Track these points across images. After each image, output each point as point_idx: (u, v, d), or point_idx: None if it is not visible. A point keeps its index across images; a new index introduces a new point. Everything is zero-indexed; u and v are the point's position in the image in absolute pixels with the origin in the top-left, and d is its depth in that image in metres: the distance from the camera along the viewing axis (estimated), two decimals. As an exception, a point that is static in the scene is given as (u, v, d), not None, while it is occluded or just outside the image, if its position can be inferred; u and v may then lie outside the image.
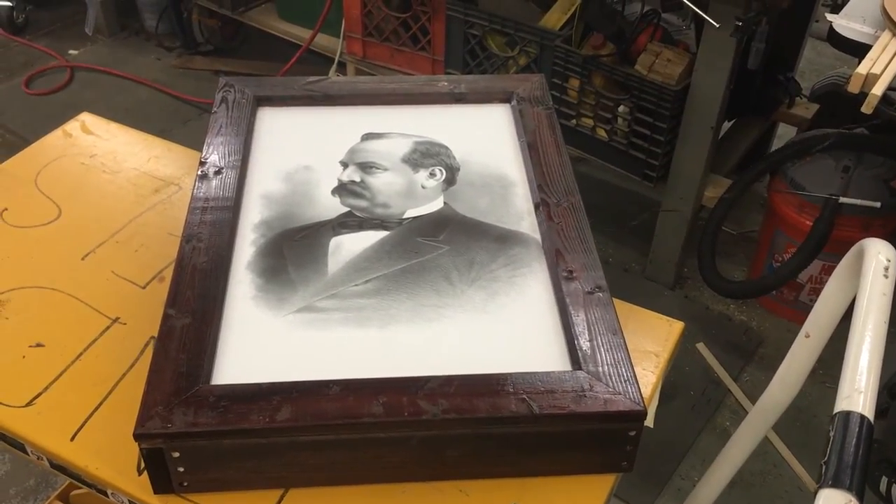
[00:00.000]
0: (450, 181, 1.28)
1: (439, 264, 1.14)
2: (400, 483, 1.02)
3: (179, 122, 3.47)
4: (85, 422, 1.08)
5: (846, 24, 2.10)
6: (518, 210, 1.23)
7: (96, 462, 1.04)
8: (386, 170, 1.29)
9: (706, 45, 2.30)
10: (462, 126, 1.39)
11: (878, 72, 1.80)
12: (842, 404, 0.91)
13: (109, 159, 1.51)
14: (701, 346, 2.59)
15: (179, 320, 1.04)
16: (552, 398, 0.97)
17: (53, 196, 1.42)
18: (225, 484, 1.00)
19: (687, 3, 2.17)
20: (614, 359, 1.01)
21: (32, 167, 1.49)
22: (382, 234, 1.19)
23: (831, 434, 0.88)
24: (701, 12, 2.17)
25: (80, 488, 1.10)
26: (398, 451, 0.99)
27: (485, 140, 1.37)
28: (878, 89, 1.79)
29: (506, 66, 2.69)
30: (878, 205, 2.33)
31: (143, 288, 1.27)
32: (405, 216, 1.22)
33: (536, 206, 1.23)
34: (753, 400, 2.40)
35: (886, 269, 1.06)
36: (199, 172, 1.25)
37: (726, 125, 2.76)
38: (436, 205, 1.24)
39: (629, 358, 1.02)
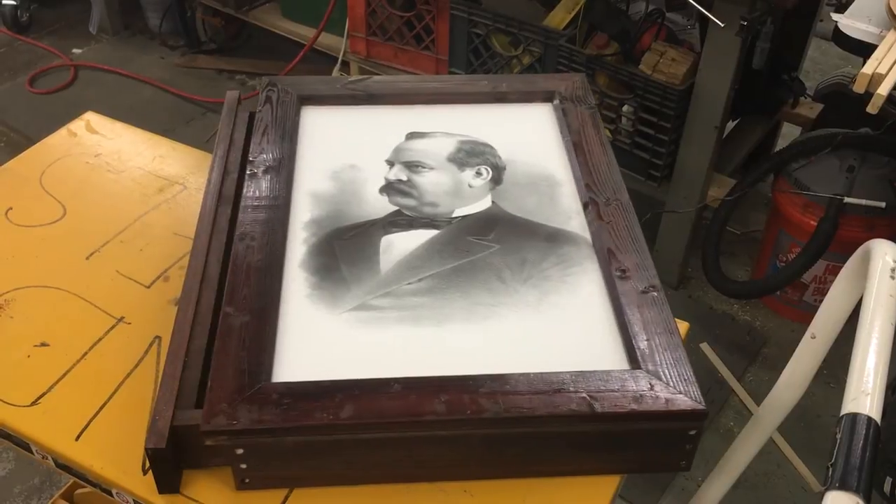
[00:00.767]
0: (496, 180, 1.29)
1: (490, 263, 1.15)
2: (458, 482, 1.02)
3: (183, 121, 3.45)
4: (90, 421, 1.08)
5: (851, 23, 2.12)
6: (566, 209, 1.24)
7: (101, 461, 1.04)
8: (432, 169, 1.30)
9: (711, 45, 2.31)
10: (505, 125, 1.40)
11: (884, 71, 1.80)
12: (848, 406, 0.91)
13: (114, 158, 1.51)
14: (704, 347, 2.60)
15: (238, 318, 1.04)
16: (613, 397, 0.98)
17: (58, 195, 1.42)
18: (285, 481, 1.01)
19: (692, 2, 2.17)
20: (673, 358, 1.02)
21: (37, 166, 1.48)
22: (432, 232, 1.19)
23: (838, 436, 0.88)
24: (706, 12, 2.17)
25: (84, 487, 1.10)
26: (458, 450, 1.00)
27: (529, 139, 1.38)
28: (883, 89, 1.78)
29: (509, 66, 2.70)
30: (882, 205, 2.35)
31: (148, 287, 1.27)
32: (454, 215, 1.22)
33: (585, 206, 1.24)
34: (757, 400, 2.44)
35: (893, 270, 1.06)
36: (249, 171, 1.25)
37: (730, 125, 2.78)
38: (484, 204, 1.25)
39: (687, 357, 1.03)
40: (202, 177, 1.42)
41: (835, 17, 2.16)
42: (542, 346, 1.06)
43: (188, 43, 3.84)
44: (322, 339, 1.05)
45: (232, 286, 1.08)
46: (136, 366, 1.14)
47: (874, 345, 0.97)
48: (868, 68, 1.82)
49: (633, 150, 2.58)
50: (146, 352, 1.16)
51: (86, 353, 1.16)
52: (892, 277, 1.05)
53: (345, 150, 1.34)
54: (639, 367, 1.01)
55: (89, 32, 3.96)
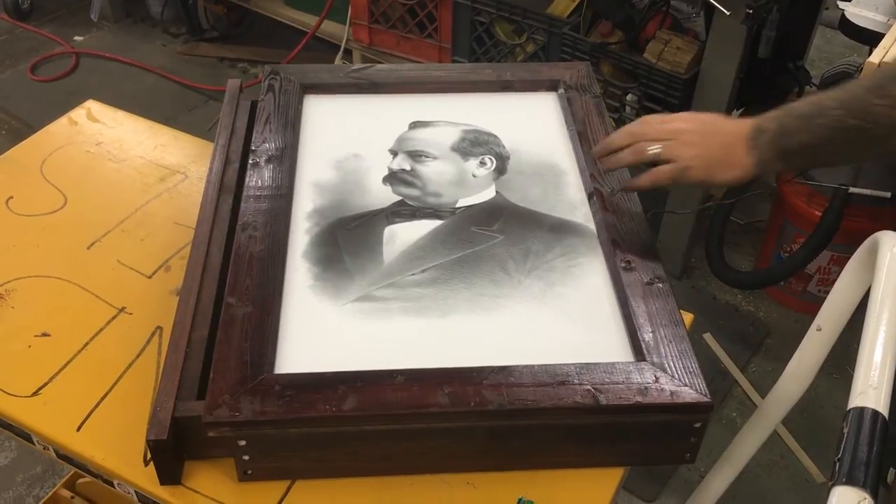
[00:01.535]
0: (500, 170, 1.28)
1: (495, 254, 1.14)
2: (461, 473, 1.02)
3: (185, 110, 3.43)
4: (91, 412, 1.08)
5: (858, 11, 2.10)
6: (571, 199, 1.24)
7: (102, 453, 1.03)
8: (435, 158, 1.29)
9: (716, 33, 2.29)
10: (509, 114, 1.39)
11: (892, 60, 1.78)
12: (855, 400, 0.89)
13: (115, 147, 1.50)
14: (708, 337, 2.59)
15: (241, 309, 1.03)
16: (618, 389, 0.97)
17: (59, 184, 1.41)
18: (289, 473, 1.00)
19: (697, -11, 2.16)
20: (678, 350, 1.01)
21: (38, 155, 1.47)
22: (436, 223, 1.19)
23: (845, 431, 0.87)
24: (711, 0, 2.16)
25: (86, 476, 1.09)
26: (461, 442, 0.99)
27: (533, 128, 1.37)
28: (891, 78, 1.78)
29: (513, 54, 2.68)
30: (888, 195, 2.33)
31: (150, 277, 1.26)
32: (458, 205, 1.21)
33: (590, 196, 1.23)
34: (760, 391, 2.43)
35: (901, 261, 1.04)
36: (251, 161, 1.24)
37: (735, 114, 2.76)
38: (488, 194, 1.24)
39: (692, 349, 1.02)
40: (204, 166, 1.41)
41: (842, 5, 2.14)
42: (547, 337, 1.05)
43: (190, 31, 3.81)
44: (325, 331, 1.05)
45: (234, 276, 1.07)
46: (138, 356, 1.14)
47: (882, 338, 0.96)
48: (875, 57, 1.80)
49: (638, 139, 2.54)
50: (147, 342, 1.16)
51: (87, 344, 1.15)
52: (901, 269, 1.03)
53: (348, 139, 1.33)
54: (644, 360, 1.00)
55: (91, 20, 3.94)
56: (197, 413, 0.95)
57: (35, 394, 1.09)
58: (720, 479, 1.43)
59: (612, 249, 1.14)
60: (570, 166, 1.29)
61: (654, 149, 1.10)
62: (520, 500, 0.99)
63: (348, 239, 1.16)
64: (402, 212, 1.20)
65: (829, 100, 1.03)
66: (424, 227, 1.18)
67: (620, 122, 2.54)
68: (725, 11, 2.14)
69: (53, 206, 1.37)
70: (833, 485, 0.82)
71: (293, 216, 1.18)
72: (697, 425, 0.99)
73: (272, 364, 0.99)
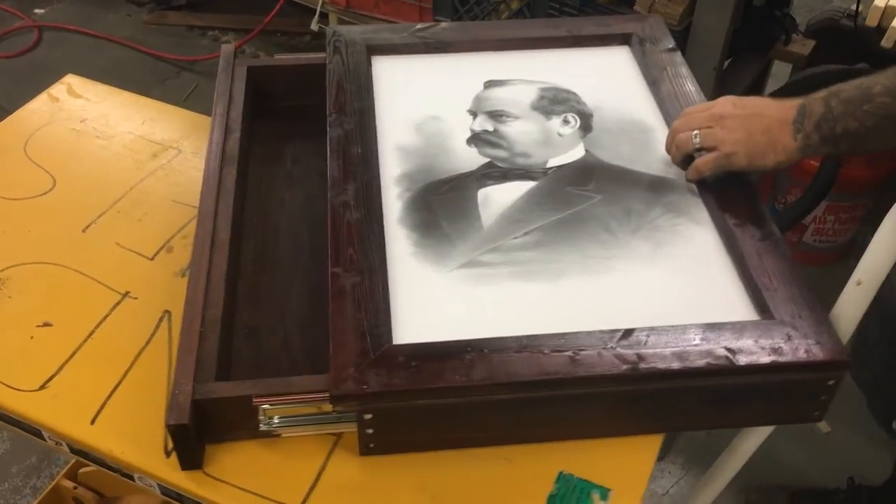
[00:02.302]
0: (586, 128, 1.23)
1: (595, 214, 1.10)
2: (580, 440, 0.98)
3: (157, 82, 3.31)
4: (104, 403, 1.02)
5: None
6: (663, 156, 1.19)
7: (121, 445, 0.98)
8: (517, 118, 1.24)
9: (709, -19, 2.22)
10: (585, 70, 1.34)
11: (896, 3, 1.74)
12: None
13: (102, 123, 1.43)
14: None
15: (348, 279, 0.99)
16: (751, 349, 0.93)
17: (46, 165, 1.34)
18: (411, 446, 0.96)
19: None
20: (806, 307, 0.98)
21: (20, 135, 1.40)
22: (529, 184, 1.14)
23: None
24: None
25: (88, 466, 1.04)
26: (588, 407, 0.96)
27: (611, 84, 1.32)
28: (898, 21, 1.71)
29: (497, 11, 2.59)
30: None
31: (152, 259, 1.20)
32: (548, 165, 1.17)
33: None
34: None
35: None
36: (330, 124, 1.18)
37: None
38: (577, 153, 1.19)
39: (819, 305, 0.99)
40: (197, 139, 1.37)
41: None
42: (665, 298, 1.01)
43: None
44: (436, 298, 1.00)
45: (336, 245, 1.02)
46: (148, 342, 1.08)
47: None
48: (881, 0, 1.77)
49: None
50: (157, 327, 1.10)
51: (92, 332, 1.10)
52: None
53: (423, 100, 1.28)
54: (772, 318, 0.97)
55: (51, -9, 3.78)
56: (218, 395, 0.92)
57: (42, 387, 1.03)
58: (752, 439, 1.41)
59: (716, 206, 1.10)
60: (656, 122, 1.25)
61: (695, 137, 1.09)
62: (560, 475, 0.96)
63: (442, 203, 1.11)
64: (492, 174, 1.15)
65: (876, 85, 1.01)
66: (518, 188, 1.13)
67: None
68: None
69: (42, 188, 1.30)
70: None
71: (382, 182, 1.13)
72: (831, 383, 0.96)
73: (390, 334, 0.94)
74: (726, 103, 1.10)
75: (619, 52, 1.39)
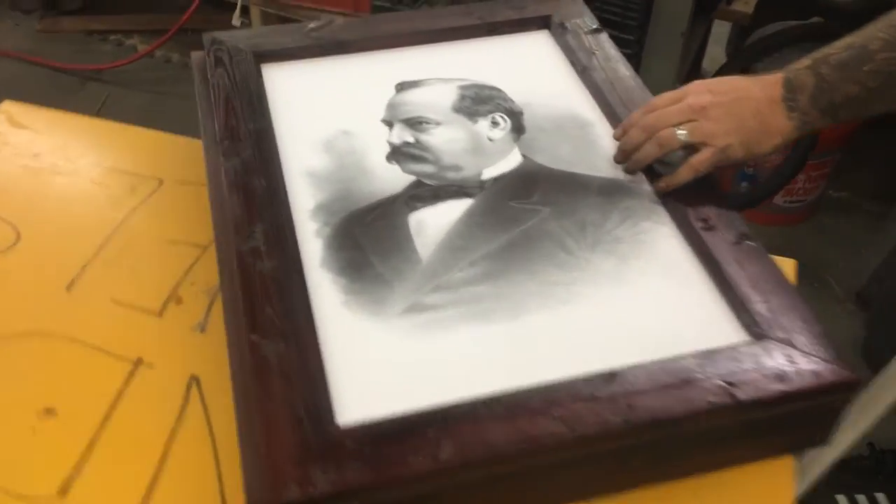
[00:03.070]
0: (518, 129, 1.08)
1: (546, 231, 0.95)
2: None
3: (60, 96, 3.00)
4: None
5: None
6: (608, 154, 1.05)
7: None
8: (439, 124, 1.07)
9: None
10: (505, 61, 1.19)
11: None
12: None
13: (60, 157, 1.20)
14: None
15: (271, 347, 0.81)
16: (753, 380, 0.80)
17: (3, 214, 1.11)
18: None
19: None
20: (801, 319, 0.86)
21: None
22: (466, 202, 0.99)
23: None
24: None
25: None
26: (578, 470, 0.82)
27: (538, 75, 1.17)
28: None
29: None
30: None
31: (160, 315, 0.99)
32: (484, 177, 1.01)
33: (631, 149, 1.04)
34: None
35: None
36: (223, 154, 1.00)
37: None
38: (513, 159, 1.04)
39: (815, 317, 0.86)
40: (178, 164, 1.16)
41: None
42: (640, 325, 0.87)
43: (45, 3, 3.35)
44: (380, 357, 0.84)
45: (251, 306, 0.85)
46: (179, 419, 0.89)
47: None
48: None
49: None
50: (186, 400, 0.90)
51: (108, 416, 0.88)
52: None
53: (329, 113, 1.10)
54: (766, 337, 0.84)
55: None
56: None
57: (62, 492, 0.83)
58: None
59: (676, 206, 0.97)
60: (593, 115, 1.11)
61: (681, 133, 0.96)
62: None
63: (370, 236, 0.94)
64: (421, 194, 0.99)
65: (872, 42, 0.91)
66: (454, 208, 0.98)
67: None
68: None
69: (5, 241, 1.07)
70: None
71: (295, 219, 0.95)
72: (838, 405, 0.85)
73: (331, 413, 0.78)
74: (701, 90, 0.98)
75: (539, 38, 1.24)
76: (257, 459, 0.74)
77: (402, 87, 1.13)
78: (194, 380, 0.92)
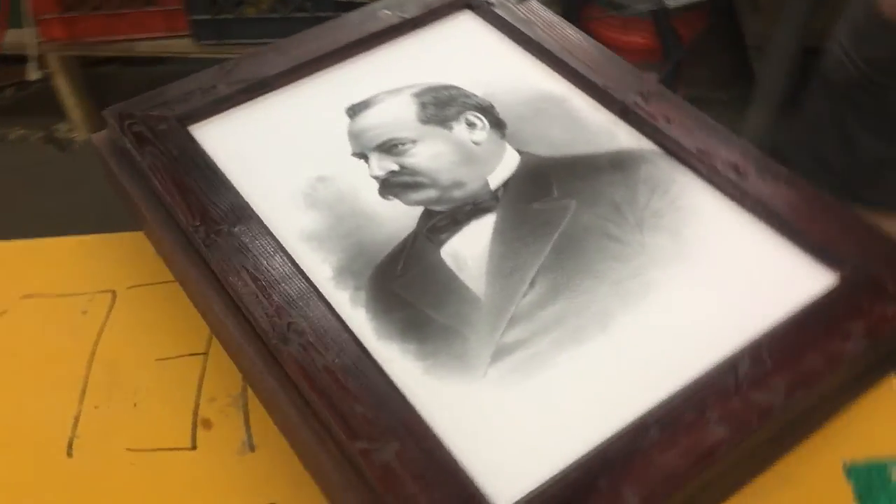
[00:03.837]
0: (497, 124, 1.00)
1: (585, 226, 0.88)
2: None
3: None
4: None
5: None
6: (600, 124, 0.99)
7: None
8: (414, 142, 0.97)
9: None
10: (442, 55, 1.09)
11: None
12: None
13: None
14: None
15: (385, 451, 0.71)
16: (875, 317, 0.77)
17: None
18: None
19: None
20: (868, 233, 0.84)
21: None
22: (488, 219, 0.90)
23: None
24: None
25: None
26: (739, 465, 0.76)
27: (485, 61, 1.08)
28: None
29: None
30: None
31: (193, 448, 0.84)
32: (491, 186, 0.93)
33: (623, 112, 0.98)
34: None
35: None
36: (204, 243, 0.86)
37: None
38: (511, 158, 0.96)
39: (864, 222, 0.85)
40: (122, 268, 0.99)
41: None
42: (729, 298, 0.82)
43: None
44: (499, 422, 0.75)
45: (336, 412, 0.73)
46: None
47: None
48: None
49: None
50: None
51: None
52: None
53: (291, 162, 0.97)
54: (854, 274, 0.81)
55: None
56: None
57: None
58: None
59: (692, 157, 0.92)
60: (563, 88, 1.04)
61: None
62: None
63: (413, 289, 0.84)
64: (438, 224, 0.90)
65: None
66: (478, 229, 0.89)
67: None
68: None
69: None
70: None
71: (325, 295, 0.83)
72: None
73: (485, 499, 0.69)
74: None
75: (466, 20, 1.14)
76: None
77: (353, 111, 1.02)
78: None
